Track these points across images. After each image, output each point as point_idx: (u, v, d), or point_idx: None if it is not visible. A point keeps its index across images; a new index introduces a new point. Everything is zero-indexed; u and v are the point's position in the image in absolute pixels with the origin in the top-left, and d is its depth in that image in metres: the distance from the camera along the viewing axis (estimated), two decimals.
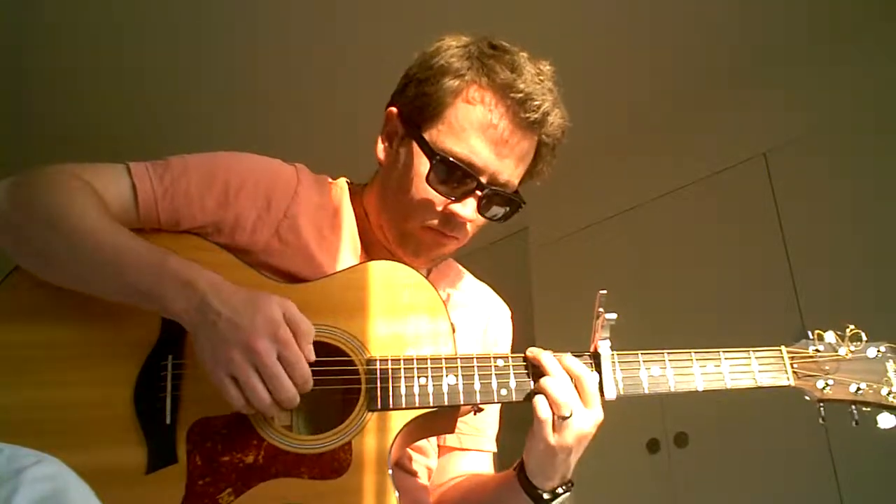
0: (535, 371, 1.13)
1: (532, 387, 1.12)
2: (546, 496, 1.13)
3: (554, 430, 1.08)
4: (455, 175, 1.18)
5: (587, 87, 3.30)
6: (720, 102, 3.46)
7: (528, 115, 1.17)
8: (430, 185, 1.18)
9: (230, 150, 1.25)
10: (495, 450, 1.38)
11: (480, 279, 1.48)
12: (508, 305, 1.48)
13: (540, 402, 1.09)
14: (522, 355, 1.15)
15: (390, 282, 1.16)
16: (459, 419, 1.18)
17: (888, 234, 2.87)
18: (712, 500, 3.07)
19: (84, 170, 1.13)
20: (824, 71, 3.21)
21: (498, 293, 1.48)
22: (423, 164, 1.19)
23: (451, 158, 1.17)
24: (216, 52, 3.30)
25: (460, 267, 1.45)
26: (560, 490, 1.13)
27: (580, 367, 1.12)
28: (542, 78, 1.20)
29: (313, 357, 1.04)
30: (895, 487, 2.59)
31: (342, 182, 1.33)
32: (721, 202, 3.38)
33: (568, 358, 1.13)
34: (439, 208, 1.20)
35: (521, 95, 1.17)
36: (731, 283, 3.21)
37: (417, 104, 1.21)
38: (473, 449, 1.35)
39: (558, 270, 3.88)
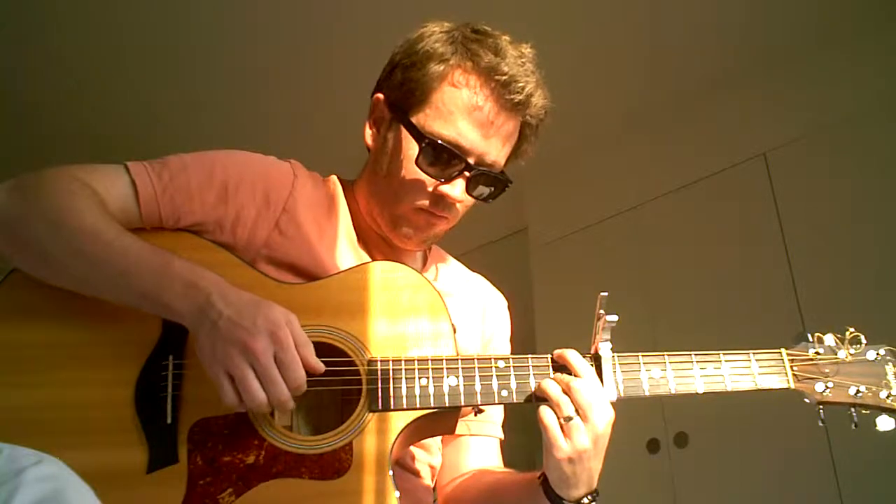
0: (537, 373, 1.13)
1: (533, 388, 1.12)
2: None
3: (564, 434, 1.08)
4: (443, 157, 1.20)
5: (587, 86, 3.31)
6: (720, 102, 3.46)
7: (512, 96, 1.20)
8: (419, 167, 1.20)
9: (228, 147, 1.26)
10: (502, 436, 1.38)
11: None
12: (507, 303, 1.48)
13: (543, 409, 1.09)
14: (523, 356, 1.15)
15: (391, 282, 1.17)
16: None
17: (888, 234, 2.87)
18: (712, 501, 3.07)
19: (84, 171, 1.13)
20: (824, 71, 3.20)
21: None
22: (411, 148, 1.21)
23: (439, 141, 1.19)
24: (216, 51, 3.30)
25: (452, 258, 1.46)
26: (585, 501, 1.11)
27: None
28: (524, 60, 1.22)
29: (322, 367, 1.04)
30: (895, 488, 2.59)
31: (334, 178, 1.35)
32: (721, 202, 3.37)
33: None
34: (429, 190, 1.22)
35: (504, 78, 1.19)
36: (731, 283, 3.21)
37: (404, 90, 1.23)
38: (481, 434, 1.35)
39: (558, 270, 3.87)
